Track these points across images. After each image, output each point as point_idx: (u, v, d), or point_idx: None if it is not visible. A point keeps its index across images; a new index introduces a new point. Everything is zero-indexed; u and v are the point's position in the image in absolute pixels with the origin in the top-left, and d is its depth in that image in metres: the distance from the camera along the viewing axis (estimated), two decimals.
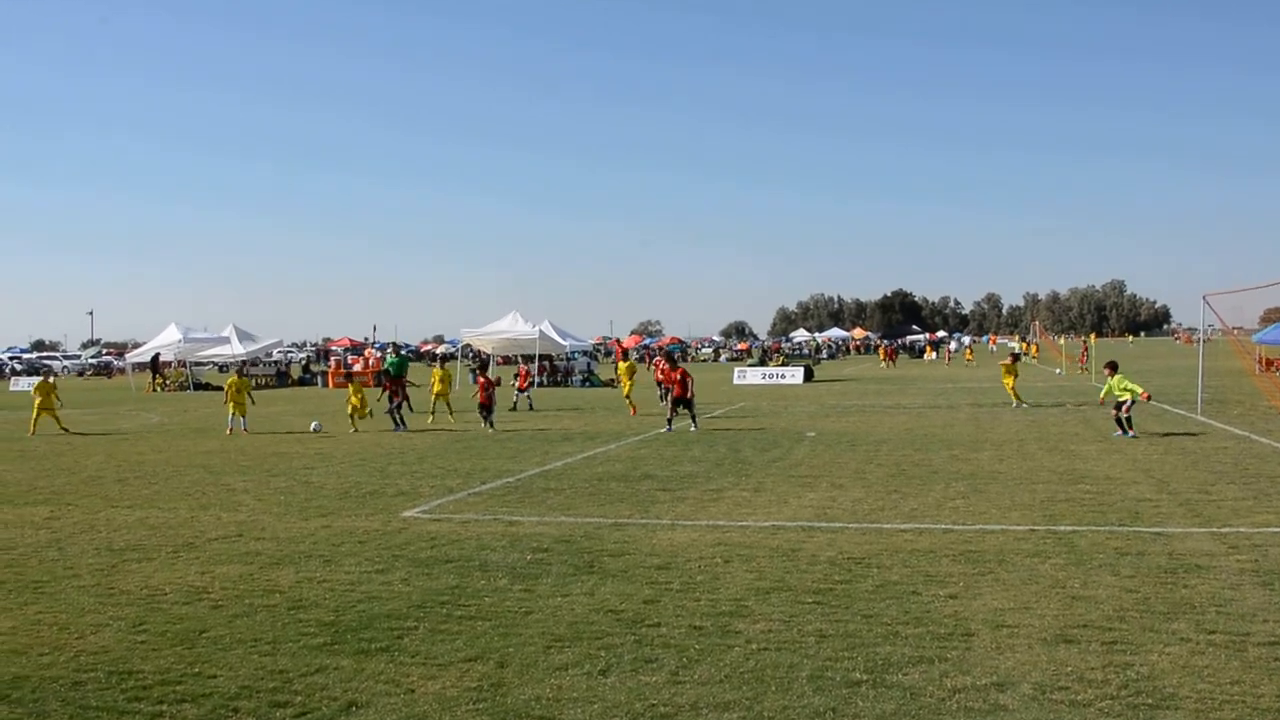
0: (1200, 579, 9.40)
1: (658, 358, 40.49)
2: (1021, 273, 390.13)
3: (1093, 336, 65.29)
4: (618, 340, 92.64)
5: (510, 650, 7.68)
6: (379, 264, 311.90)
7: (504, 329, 52.36)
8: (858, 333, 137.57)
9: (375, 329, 69.18)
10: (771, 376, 51.21)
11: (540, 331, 51.76)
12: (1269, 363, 44.22)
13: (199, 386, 55.88)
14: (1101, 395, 22.88)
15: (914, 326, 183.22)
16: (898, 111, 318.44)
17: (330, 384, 56.70)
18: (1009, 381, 32.49)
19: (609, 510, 13.86)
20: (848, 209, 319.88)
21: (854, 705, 6.46)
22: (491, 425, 26.45)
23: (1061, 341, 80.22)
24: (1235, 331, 35.06)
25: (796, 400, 37.05)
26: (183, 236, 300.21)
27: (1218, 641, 7.53)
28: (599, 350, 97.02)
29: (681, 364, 27.13)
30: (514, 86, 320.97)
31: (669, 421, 25.45)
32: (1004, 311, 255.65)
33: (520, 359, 50.94)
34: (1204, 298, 28.04)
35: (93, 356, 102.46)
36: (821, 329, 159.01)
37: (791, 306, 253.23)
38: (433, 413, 29.71)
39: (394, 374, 37.30)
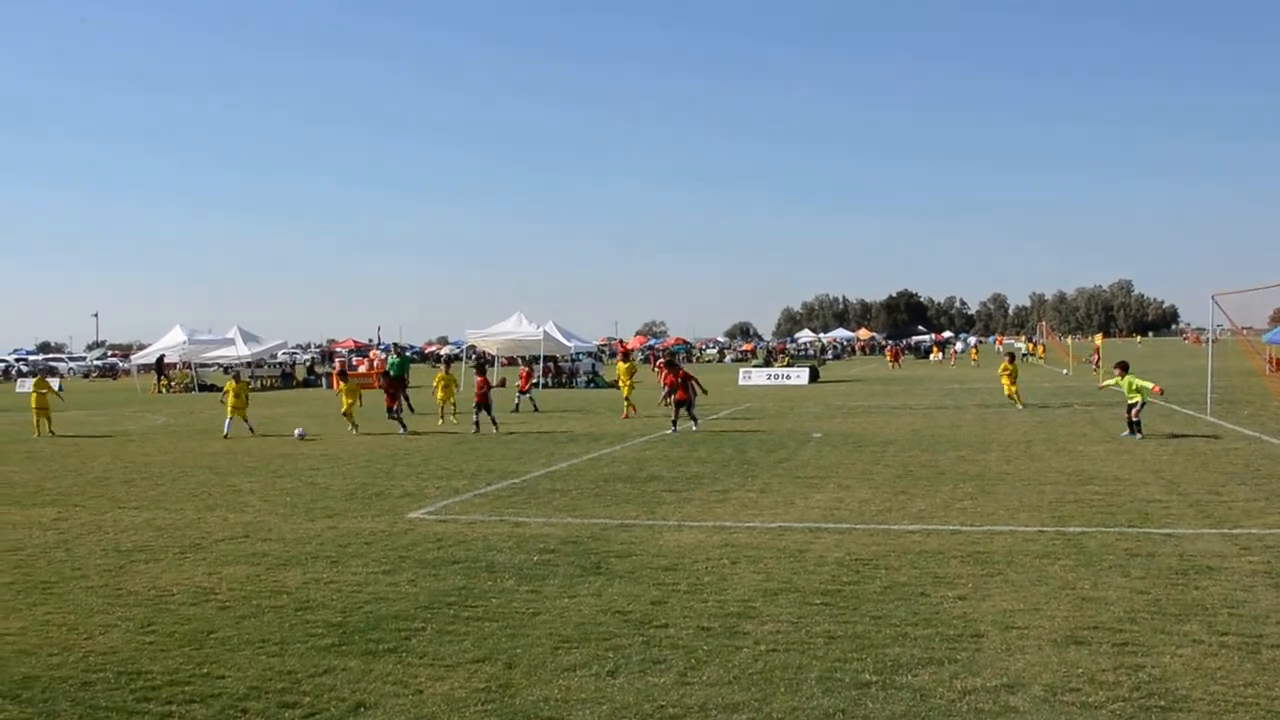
0: (1212, 580, 9.35)
1: (660, 360, 40.36)
2: (1028, 273, 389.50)
3: (1100, 337, 65.09)
4: (621, 341, 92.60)
5: (518, 651, 7.66)
6: (383, 265, 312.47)
7: (508, 330, 52.34)
8: (863, 333, 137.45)
9: (380, 330, 69.21)
10: (777, 377, 51.15)
11: (544, 332, 51.75)
12: (1279, 363, 44.10)
13: (204, 388, 55.95)
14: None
15: (919, 327, 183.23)
16: (902, 114, 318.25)
17: (335, 385, 56.67)
18: (1007, 383, 32.02)
19: (615, 511, 13.84)
20: (853, 209, 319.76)
21: (864, 707, 6.43)
22: (495, 424, 26.30)
23: (1069, 342, 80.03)
24: (1245, 331, 34.89)
25: (802, 401, 37.01)
26: (187, 238, 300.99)
27: (1230, 643, 7.49)
28: (604, 351, 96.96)
29: (681, 367, 26.93)
30: (518, 94, 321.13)
31: (674, 423, 25.40)
32: (1010, 312, 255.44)
33: (521, 360, 50.93)
34: (1213, 297, 27.97)
35: (98, 358, 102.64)
36: (826, 329, 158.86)
37: (796, 307, 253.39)
38: (441, 416, 29.69)
39: (394, 375, 37.38)
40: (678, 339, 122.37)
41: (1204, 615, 8.23)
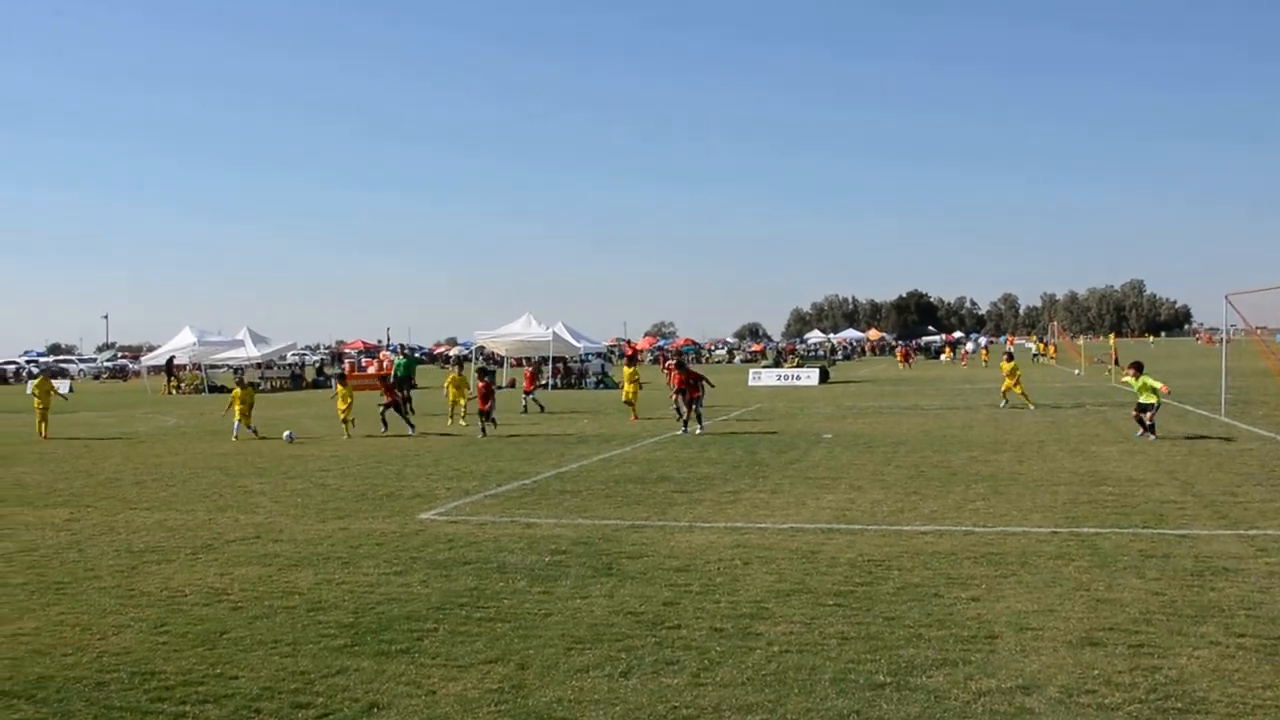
0: (1228, 582, 9.30)
1: (669, 362, 40.28)
2: (1039, 273, 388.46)
3: (1112, 337, 64.90)
4: (629, 342, 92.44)
5: (531, 652, 7.64)
6: (393, 267, 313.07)
7: (517, 331, 52.33)
8: (873, 334, 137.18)
9: (389, 332, 69.20)
10: (787, 378, 51.08)
11: (554, 333, 51.74)
12: None
13: (214, 389, 56.03)
14: (1122, 378, 22.21)
15: (930, 327, 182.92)
16: (909, 115, 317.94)
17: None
18: (1010, 384, 31.70)
19: (626, 512, 13.82)
20: (863, 210, 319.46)
21: (878, 708, 6.40)
22: (494, 422, 26.10)
23: (1080, 342, 79.78)
24: (1259, 331, 34.68)
25: (812, 402, 36.95)
26: (197, 240, 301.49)
27: (1248, 645, 7.44)
28: (613, 352, 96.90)
29: (690, 368, 26.88)
30: (526, 95, 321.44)
31: (684, 424, 25.36)
32: (1021, 312, 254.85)
33: (526, 361, 50.91)
34: (1226, 297, 27.84)
35: (108, 360, 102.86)
36: (836, 330, 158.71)
37: (806, 308, 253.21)
38: (450, 416, 29.70)
39: (401, 376, 37.41)
40: (687, 339, 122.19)
41: (1221, 617, 8.18)
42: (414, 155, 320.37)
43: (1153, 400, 21.50)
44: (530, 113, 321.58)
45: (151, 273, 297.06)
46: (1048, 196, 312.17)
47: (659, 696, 6.66)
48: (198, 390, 56.81)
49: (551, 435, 25.55)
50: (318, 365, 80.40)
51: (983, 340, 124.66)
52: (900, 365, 74.81)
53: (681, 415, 25.97)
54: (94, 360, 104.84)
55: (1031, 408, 30.80)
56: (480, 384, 26.60)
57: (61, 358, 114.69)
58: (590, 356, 57.56)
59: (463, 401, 29.68)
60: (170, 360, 59.25)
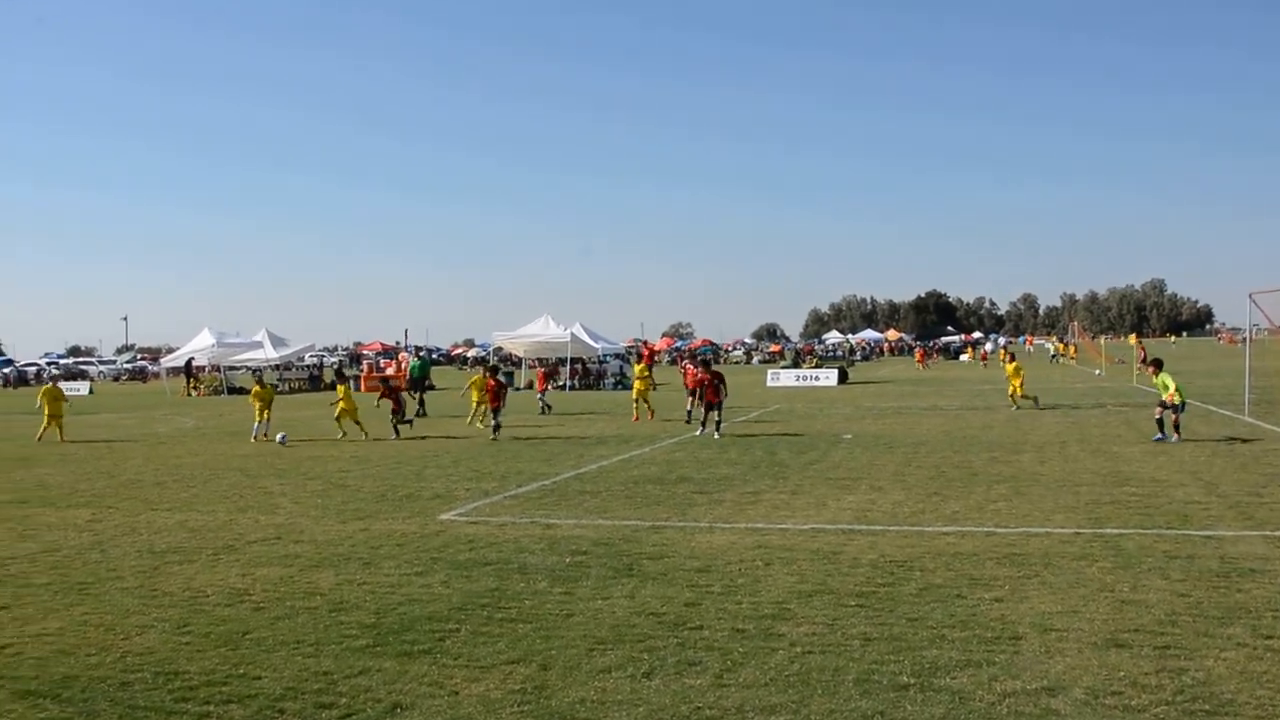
0: (1254, 583, 9.23)
1: (685, 362, 40.18)
2: (1058, 273, 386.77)
3: (1134, 337, 64.57)
4: (646, 342, 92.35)
5: (553, 653, 7.64)
6: (409, 268, 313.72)
7: (535, 332, 52.38)
8: (891, 334, 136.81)
9: (407, 333, 69.31)
10: (805, 378, 51.01)
11: (571, 334, 51.76)
12: None
13: (232, 390, 56.25)
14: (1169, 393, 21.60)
15: (949, 328, 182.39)
16: (927, 116, 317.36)
17: (363, 388, 56.91)
18: (1015, 384, 31.46)
19: (646, 513, 13.80)
20: (881, 210, 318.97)
21: (902, 709, 6.37)
22: (497, 425, 25.27)
23: (1101, 342, 79.34)
24: None
25: (831, 402, 36.87)
26: (216, 242, 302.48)
27: (1276, 647, 7.38)
28: (631, 353, 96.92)
29: (716, 369, 26.60)
30: (545, 103, 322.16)
31: (702, 424, 25.23)
32: (1040, 312, 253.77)
33: (537, 363, 50.94)
34: (1250, 296, 27.61)
35: (128, 361, 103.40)
36: (854, 331, 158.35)
37: (824, 308, 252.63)
38: (471, 419, 29.68)
39: (415, 377, 37.46)
40: (704, 340, 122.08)
41: (1248, 618, 8.11)
42: (431, 155, 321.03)
43: (1177, 399, 21.19)
44: (552, 113, 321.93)
45: (171, 275, 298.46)
46: (1067, 196, 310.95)
47: (682, 697, 6.65)
48: (216, 392, 57.02)
49: (570, 436, 25.55)
50: (336, 366, 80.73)
51: (1002, 340, 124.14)
52: (918, 366, 74.62)
53: (692, 417, 25.96)
54: (113, 362, 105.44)
55: (1015, 407, 30.62)
56: (490, 384, 26.20)
57: (81, 360, 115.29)
58: (608, 357, 57.54)
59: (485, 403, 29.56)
60: (189, 362, 59.48)
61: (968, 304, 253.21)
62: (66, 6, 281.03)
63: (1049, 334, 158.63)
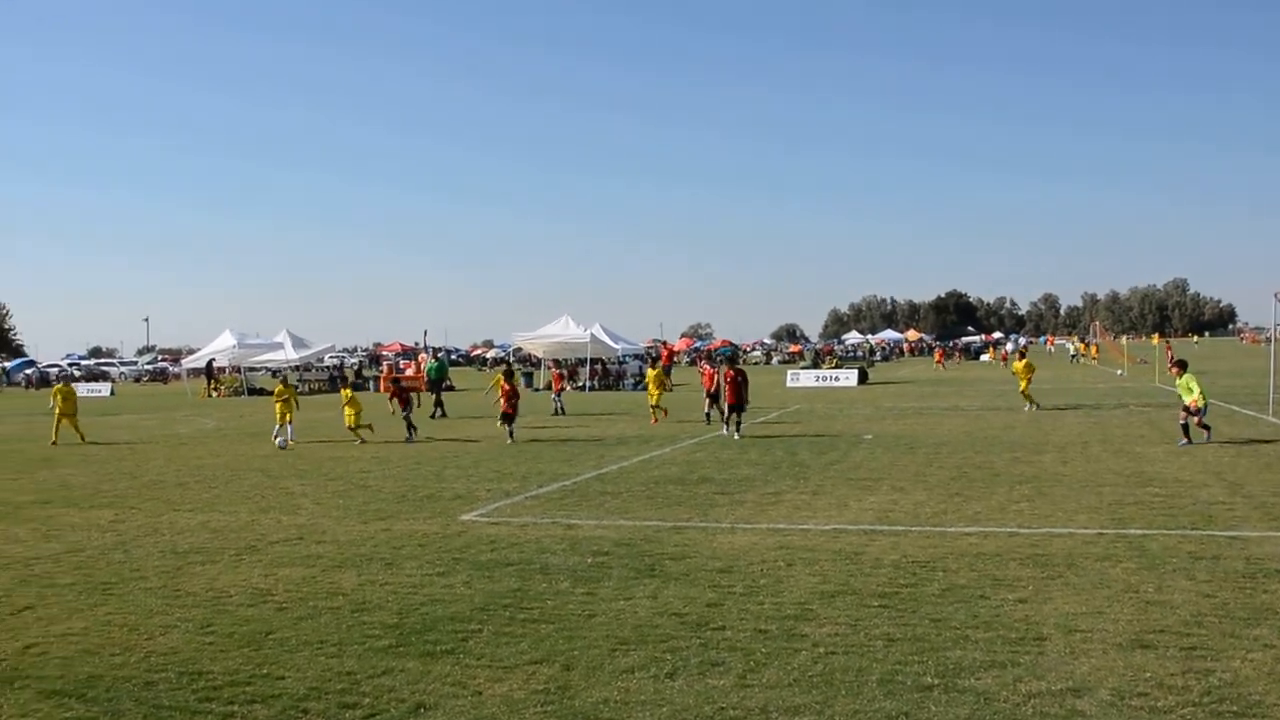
0: None
1: (703, 363, 40.04)
2: (1080, 272, 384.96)
3: (1156, 337, 64.19)
4: (665, 343, 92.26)
5: (575, 653, 7.63)
6: (429, 269, 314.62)
7: (555, 332, 52.37)
8: (911, 334, 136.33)
9: (426, 334, 69.34)
10: (825, 379, 50.91)
11: (591, 335, 51.75)
12: None
13: (253, 391, 56.46)
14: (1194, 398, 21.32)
15: (969, 328, 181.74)
16: (945, 117, 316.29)
17: (382, 389, 57.06)
18: (1024, 384, 31.38)
19: (668, 514, 13.79)
20: (900, 210, 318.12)
21: (926, 710, 6.35)
22: (511, 435, 24.62)
23: (1123, 342, 78.94)
24: None
25: (851, 403, 36.78)
26: (237, 243, 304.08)
27: None
28: (650, 353, 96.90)
29: (741, 368, 26.34)
30: (562, 105, 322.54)
31: (725, 423, 25.11)
32: (1061, 312, 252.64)
33: (553, 364, 50.94)
34: (1275, 295, 27.42)
35: (149, 362, 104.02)
36: (874, 331, 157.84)
37: (843, 309, 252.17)
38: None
39: (433, 378, 37.45)
40: (724, 341, 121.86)
41: (1275, 619, 8.05)
42: (450, 156, 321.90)
43: (1201, 402, 20.87)
44: (573, 113, 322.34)
45: (192, 276, 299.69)
46: (1089, 195, 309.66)
47: (705, 698, 6.63)
48: (237, 393, 57.23)
49: (590, 437, 25.55)
50: (356, 367, 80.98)
51: (1022, 341, 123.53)
52: (936, 366, 74.37)
53: (710, 418, 25.91)
54: (135, 363, 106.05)
55: (1027, 407, 30.47)
56: (505, 386, 25.62)
57: (102, 361, 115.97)
58: (628, 358, 57.52)
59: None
60: (210, 363, 59.73)
61: (988, 304, 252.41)
62: (88, 5, 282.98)
63: (1070, 334, 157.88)
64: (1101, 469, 17.05)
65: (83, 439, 27.60)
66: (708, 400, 28.12)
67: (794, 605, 8.85)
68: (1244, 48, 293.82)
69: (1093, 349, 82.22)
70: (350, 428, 25.65)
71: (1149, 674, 6.87)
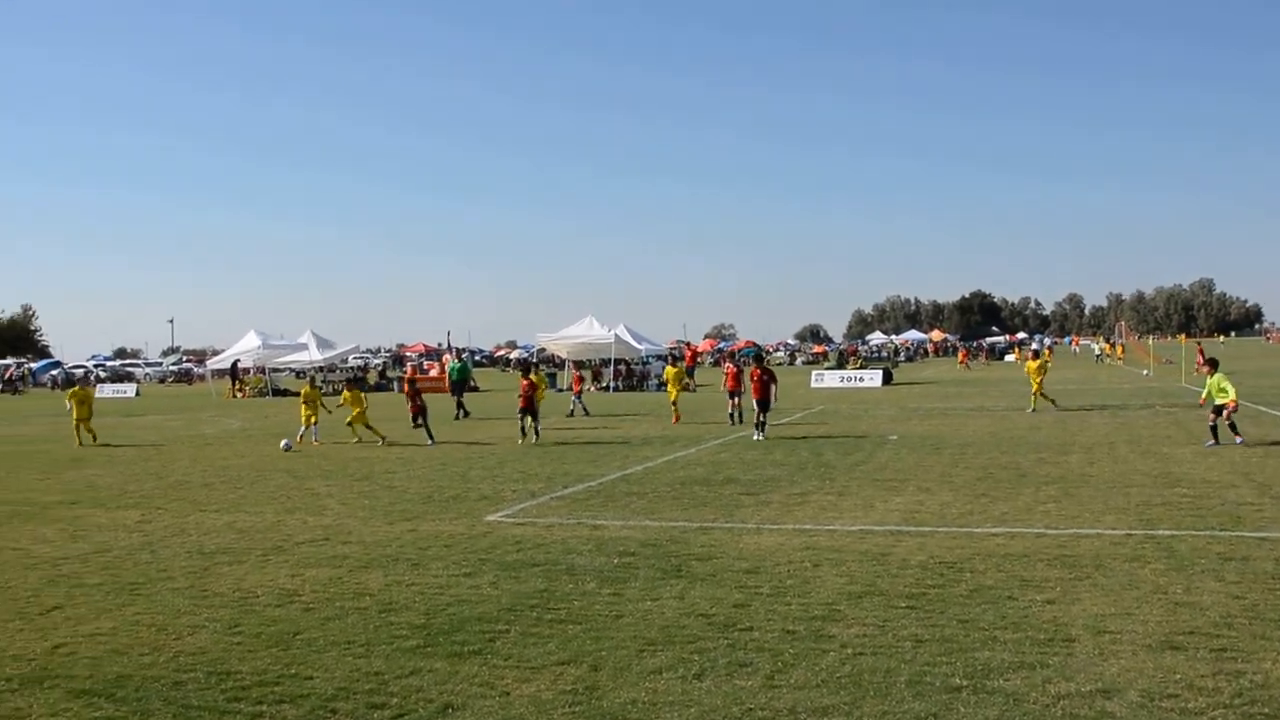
0: None
1: (727, 363, 39.88)
2: (1105, 272, 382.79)
3: (1182, 337, 63.75)
4: (689, 344, 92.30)
5: (603, 654, 7.63)
6: (453, 269, 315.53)
7: (579, 333, 52.41)
8: (936, 335, 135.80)
9: (449, 334, 69.61)
10: (850, 379, 50.80)
11: (615, 335, 51.77)
12: None
13: (277, 392, 56.72)
14: (1202, 397, 21.42)
15: (993, 328, 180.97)
16: (967, 117, 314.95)
17: (405, 390, 57.22)
18: (1036, 384, 30.98)
19: (693, 514, 13.78)
20: (924, 210, 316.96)
21: (955, 711, 6.31)
22: (536, 434, 24.48)
23: (1149, 342, 78.41)
24: None
25: (876, 403, 36.66)
26: (261, 244, 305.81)
27: None
28: (673, 354, 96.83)
29: (770, 368, 25.94)
30: (578, 107, 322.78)
31: (757, 427, 24.68)
32: (1086, 312, 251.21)
33: (573, 365, 50.97)
34: None
35: (174, 363, 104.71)
36: (898, 331, 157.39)
37: (867, 309, 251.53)
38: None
39: (455, 380, 37.45)
40: (748, 341, 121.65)
41: None
42: (467, 156, 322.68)
43: (1228, 401, 20.58)
44: (597, 114, 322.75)
45: (217, 277, 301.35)
46: (1114, 195, 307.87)
47: (733, 699, 6.62)
48: (261, 394, 57.55)
49: (615, 438, 25.55)
50: (380, 368, 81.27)
51: (1047, 341, 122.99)
52: (960, 365, 74.07)
53: (734, 419, 25.87)
54: (159, 364, 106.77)
55: (1029, 409, 30.27)
56: (524, 384, 25.25)
57: (128, 362, 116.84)
58: (651, 359, 57.53)
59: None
60: (234, 364, 60.08)
61: (1013, 304, 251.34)
62: (115, 5, 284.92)
63: (1095, 334, 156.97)
64: (1129, 469, 16.94)
65: (94, 439, 27.75)
66: (731, 401, 28.06)
67: (821, 606, 8.82)
68: (1276, 49, 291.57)
69: (1118, 349, 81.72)
70: (348, 423, 25.85)
71: (1179, 675, 6.82)
